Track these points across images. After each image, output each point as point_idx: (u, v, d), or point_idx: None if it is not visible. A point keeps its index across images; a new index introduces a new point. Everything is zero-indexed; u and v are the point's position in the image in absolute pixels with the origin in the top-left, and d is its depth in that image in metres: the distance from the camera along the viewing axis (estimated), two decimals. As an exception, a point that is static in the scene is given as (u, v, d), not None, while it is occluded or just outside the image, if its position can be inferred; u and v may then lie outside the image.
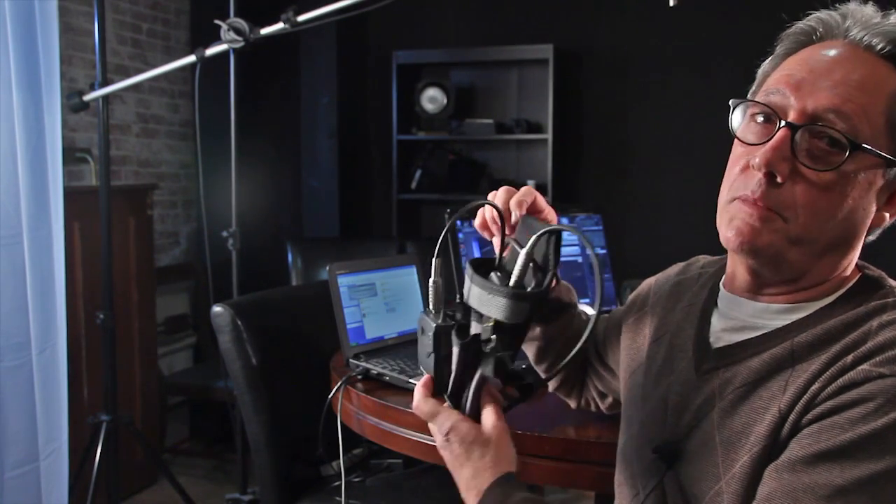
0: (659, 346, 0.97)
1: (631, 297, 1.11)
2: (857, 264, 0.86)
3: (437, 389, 0.87)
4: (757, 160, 0.78)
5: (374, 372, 1.52)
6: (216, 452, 3.50)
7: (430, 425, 0.87)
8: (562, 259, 1.91)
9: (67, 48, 3.27)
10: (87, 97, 2.29)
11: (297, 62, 3.96)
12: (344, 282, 1.66)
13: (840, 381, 0.73)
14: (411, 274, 1.78)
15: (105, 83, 2.30)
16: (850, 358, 0.74)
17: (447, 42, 4.09)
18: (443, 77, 3.98)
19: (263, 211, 3.73)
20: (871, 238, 0.85)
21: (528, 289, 0.86)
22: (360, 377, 1.54)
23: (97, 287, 2.52)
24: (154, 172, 3.89)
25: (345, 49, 3.97)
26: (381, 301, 1.71)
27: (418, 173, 4.00)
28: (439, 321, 0.84)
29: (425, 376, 0.87)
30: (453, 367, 0.84)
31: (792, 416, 0.75)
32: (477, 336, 0.83)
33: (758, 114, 0.82)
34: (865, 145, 0.76)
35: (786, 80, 0.81)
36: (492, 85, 4.10)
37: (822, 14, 0.83)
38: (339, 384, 1.52)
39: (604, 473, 1.18)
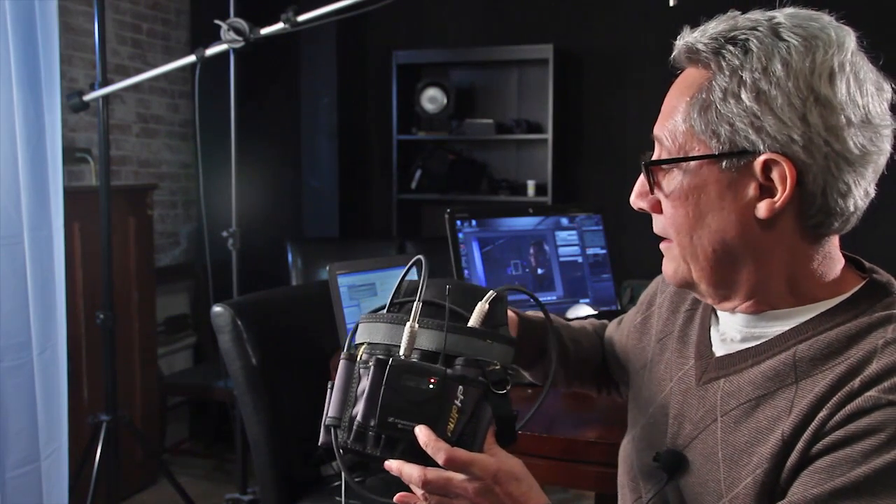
0: (662, 349, 0.97)
1: (642, 295, 1.11)
2: (866, 267, 0.84)
3: (440, 436, 0.79)
4: None
5: (374, 372, 1.52)
6: (216, 452, 3.50)
7: (458, 476, 0.78)
8: (561, 259, 1.92)
9: (67, 48, 3.27)
10: (87, 97, 2.29)
11: (297, 62, 3.96)
12: (344, 282, 1.66)
13: (848, 408, 0.71)
14: (411, 274, 1.78)
15: (105, 83, 2.30)
16: (857, 382, 0.72)
17: (447, 42, 4.09)
18: (443, 77, 3.98)
19: (263, 211, 3.73)
20: (834, 228, 0.78)
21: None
22: (360, 377, 1.54)
23: (97, 287, 2.52)
24: (154, 172, 3.89)
25: (345, 49, 3.98)
26: (381, 301, 1.71)
27: (418, 173, 4.00)
28: (454, 371, 0.80)
29: (424, 430, 0.78)
30: (458, 416, 0.79)
31: (800, 445, 0.73)
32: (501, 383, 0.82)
33: None
34: (662, 158, 0.82)
35: None
36: (492, 85, 4.10)
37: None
38: (339, 384, 1.52)
39: (604, 473, 1.18)
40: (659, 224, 0.86)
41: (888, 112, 0.77)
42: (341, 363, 0.86)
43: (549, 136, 3.75)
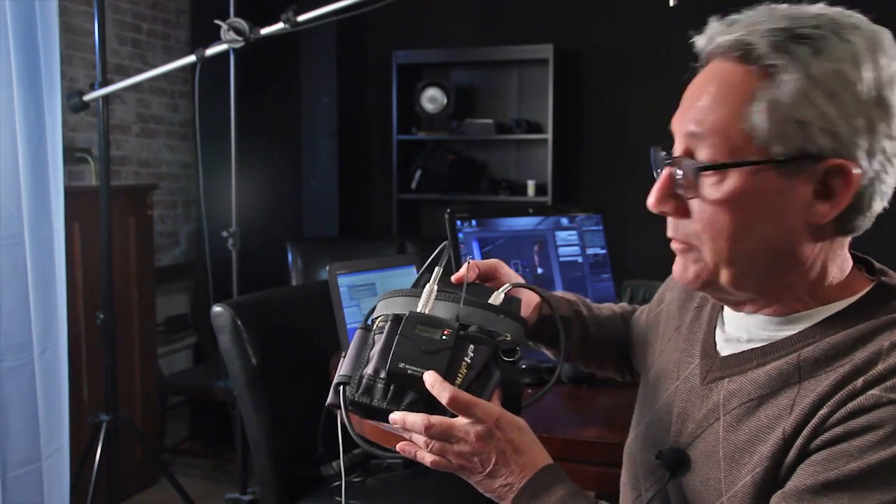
0: (669, 346, 0.97)
1: (658, 290, 1.11)
2: (876, 268, 0.83)
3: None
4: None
5: (375, 372, 1.52)
6: (216, 452, 3.50)
7: (460, 420, 0.81)
8: (561, 259, 1.92)
9: (67, 48, 3.27)
10: (87, 97, 2.29)
11: (297, 62, 3.96)
12: (344, 282, 1.66)
13: (849, 406, 0.71)
14: (411, 274, 1.78)
15: (105, 83, 2.30)
16: (860, 381, 0.71)
17: (447, 42, 4.09)
18: (443, 77, 3.98)
19: (263, 211, 3.73)
20: (861, 229, 0.78)
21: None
22: (360, 377, 1.54)
23: (97, 287, 2.52)
24: (154, 172, 3.89)
25: (345, 49, 3.98)
26: (381, 301, 1.71)
27: (418, 173, 4.00)
28: (474, 332, 0.85)
29: (432, 373, 0.81)
30: (466, 371, 0.84)
31: (799, 441, 0.73)
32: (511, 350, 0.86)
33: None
34: (718, 162, 0.75)
35: (677, 113, 0.81)
36: (492, 85, 4.10)
37: (711, 25, 0.80)
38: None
39: (604, 473, 1.18)
40: (683, 229, 0.81)
41: None
42: (357, 332, 0.89)
43: (549, 136, 3.75)
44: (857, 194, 0.74)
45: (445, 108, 3.85)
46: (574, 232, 1.92)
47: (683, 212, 0.80)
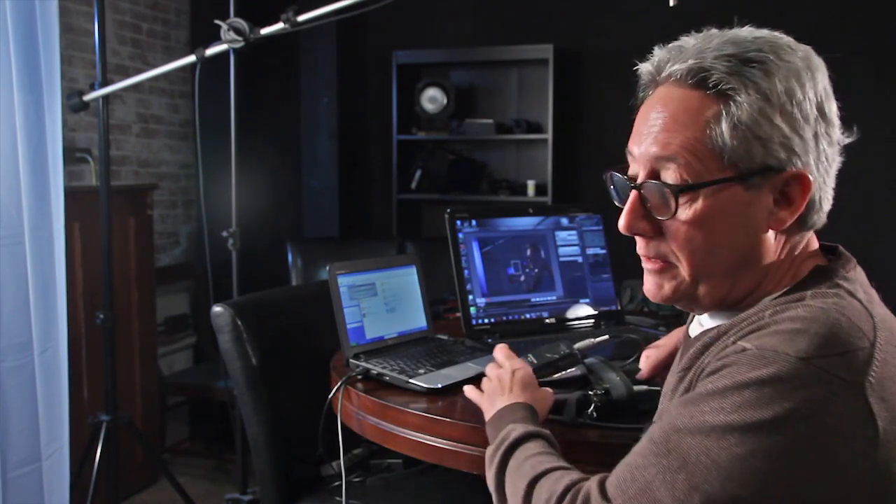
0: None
1: None
2: (836, 254, 0.89)
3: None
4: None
5: (375, 372, 1.52)
6: (216, 452, 3.50)
7: (501, 360, 1.23)
8: (561, 259, 1.92)
9: (67, 48, 3.27)
10: (87, 97, 2.29)
11: (297, 62, 3.96)
12: (344, 282, 1.66)
13: (719, 358, 0.78)
14: (411, 274, 1.78)
15: (105, 83, 2.30)
16: (732, 338, 0.79)
17: (447, 42, 4.09)
18: (443, 77, 3.98)
19: (263, 211, 3.73)
20: (817, 226, 0.86)
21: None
22: (360, 377, 1.54)
23: (97, 287, 2.52)
24: (154, 172, 3.89)
25: (345, 49, 3.97)
26: (381, 301, 1.71)
27: (418, 173, 4.00)
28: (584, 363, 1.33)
29: (504, 347, 1.27)
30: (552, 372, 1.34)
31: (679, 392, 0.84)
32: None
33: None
34: (689, 182, 0.81)
35: (631, 136, 0.87)
36: (492, 85, 4.09)
37: (657, 53, 0.86)
38: (339, 384, 1.52)
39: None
40: (654, 248, 0.87)
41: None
42: None
43: (549, 136, 3.75)
44: (811, 199, 0.82)
45: (445, 108, 3.85)
46: (574, 232, 1.92)
47: (656, 231, 0.86)
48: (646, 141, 0.84)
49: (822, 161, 0.82)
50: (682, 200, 0.82)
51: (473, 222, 1.83)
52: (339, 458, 1.53)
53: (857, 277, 0.85)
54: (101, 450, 2.35)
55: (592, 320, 1.87)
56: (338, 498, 1.66)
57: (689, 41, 0.83)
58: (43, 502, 2.19)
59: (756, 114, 0.78)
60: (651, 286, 0.89)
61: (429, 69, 4.05)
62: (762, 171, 0.80)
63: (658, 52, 0.85)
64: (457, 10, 4.06)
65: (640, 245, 0.88)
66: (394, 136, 3.93)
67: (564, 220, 1.92)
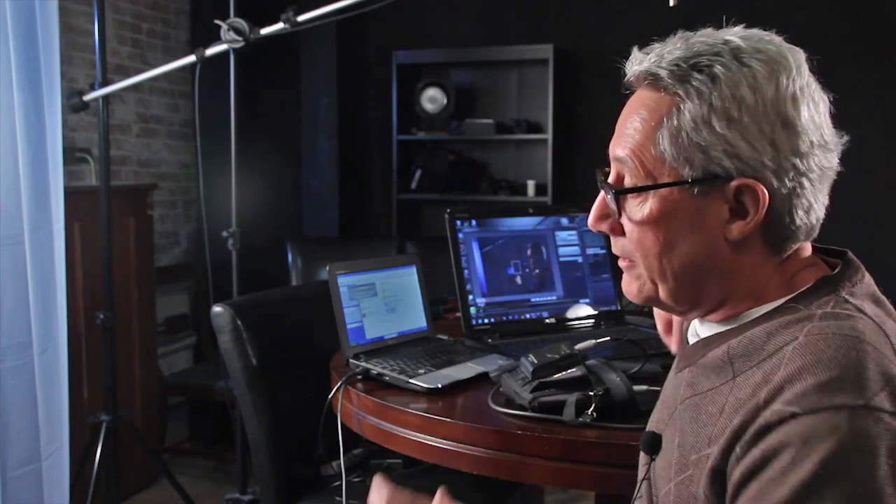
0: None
1: None
2: (845, 261, 0.84)
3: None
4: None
5: (374, 372, 1.52)
6: (216, 452, 3.50)
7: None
8: (561, 259, 1.92)
9: (67, 48, 3.27)
10: (87, 97, 2.29)
11: (297, 62, 3.96)
12: (344, 282, 1.66)
13: (757, 423, 0.72)
14: (411, 274, 1.78)
15: (105, 83, 2.30)
16: (763, 394, 0.73)
17: (447, 42, 4.09)
18: (443, 77, 3.98)
19: (263, 211, 3.73)
20: (797, 239, 0.80)
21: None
22: (360, 377, 1.54)
23: (97, 287, 2.52)
24: (154, 172, 3.89)
25: (345, 49, 3.97)
26: (381, 301, 1.71)
27: (418, 173, 4.00)
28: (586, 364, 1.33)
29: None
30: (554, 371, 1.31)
31: (717, 449, 0.75)
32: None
33: None
34: (637, 185, 0.81)
35: (613, 138, 0.87)
36: (492, 85, 4.09)
37: (633, 53, 0.85)
38: (339, 384, 1.52)
39: (604, 473, 1.18)
40: (620, 246, 0.87)
41: (835, 131, 0.80)
42: None
43: (548, 136, 3.75)
44: (774, 209, 0.78)
45: (445, 108, 3.85)
46: (574, 232, 1.92)
47: (619, 231, 0.86)
48: (614, 143, 0.86)
49: (789, 171, 0.76)
50: (633, 202, 0.82)
51: (473, 222, 1.83)
52: (339, 457, 1.53)
53: (864, 290, 0.81)
54: (101, 450, 2.35)
55: (592, 320, 1.87)
56: (338, 498, 1.66)
57: (663, 43, 0.82)
58: (43, 502, 2.20)
59: (697, 120, 0.77)
60: (624, 284, 0.89)
61: (429, 69, 4.05)
62: (708, 178, 0.78)
63: (634, 52, 0.84)
64: (457, 10, 4.06)
65: (612, 243, 0.89)
66: (394, 136, 3.93)
67: (564, 220, 1.92)
